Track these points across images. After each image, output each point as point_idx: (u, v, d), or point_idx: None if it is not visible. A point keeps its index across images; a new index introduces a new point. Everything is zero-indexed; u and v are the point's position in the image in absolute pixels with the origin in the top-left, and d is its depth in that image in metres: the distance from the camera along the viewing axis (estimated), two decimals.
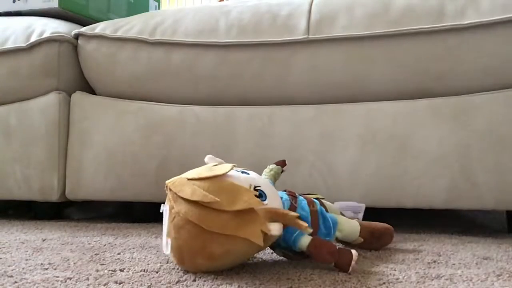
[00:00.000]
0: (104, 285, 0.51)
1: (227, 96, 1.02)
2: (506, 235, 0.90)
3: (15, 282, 0.52)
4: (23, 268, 0.59)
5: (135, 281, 0.53)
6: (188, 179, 0.57)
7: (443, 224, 1.05)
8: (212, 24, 1.03)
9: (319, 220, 0.65)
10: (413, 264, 0.63)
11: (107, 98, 1.08)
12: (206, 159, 0.64)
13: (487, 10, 0.88)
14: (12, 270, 0.58)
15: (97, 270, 0.58)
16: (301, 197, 0.66)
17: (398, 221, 1.04)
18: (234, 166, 0.59)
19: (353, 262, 0.57)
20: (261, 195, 0.57)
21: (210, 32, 1.02)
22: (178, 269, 0.59)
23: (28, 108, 1.09)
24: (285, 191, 0.67)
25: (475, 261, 0.65)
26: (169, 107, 1.04)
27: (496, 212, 1.24)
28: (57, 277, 0.54)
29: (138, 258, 0.65)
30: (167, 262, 0.63)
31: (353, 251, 0.58)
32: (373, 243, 0.72)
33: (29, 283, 0.52)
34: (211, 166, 0.59)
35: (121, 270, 0.58)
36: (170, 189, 0.58)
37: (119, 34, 1.06)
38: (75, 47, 1.10)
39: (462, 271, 0.58)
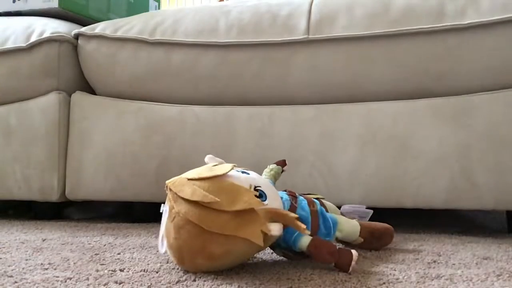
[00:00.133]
0: (104, 285, 0.51)
1: (227, 96, 1.02)
2: (506, 235, 0.90)
3: (15, 282, 0.52)
4: (23, 268, 0.59)
5: (135, 281, 0.53)
6: (188, 179, 0.57)
7: (443, 224, 1.05)
8: (212, 24, 1.03)
9: (319, 220, 0.65)
10: (413, 264, 0.63)
11: (107, 98, 1.08)
12: (206, 159, 0.64)
13: (487, 10, 0.88)
14: (12, 270, 0.58)
15: (97, 270, 0.58)
16: (301, 197, 0.66)
17: (398, 221, 1.04)
18: (234, 166, 0.59)
19: (353, 262, 0.57)
20: (261, 195, 0.57)
21: (210, 32, 1.02)
22: (178, 269, 0.59)
23: (28, 108, 1.09)
24: (285, 191, 0.67)
25: (475, 261, 0.65)
26: (169, 107, 1.04)
27: (496, 212, 1.24)
28: (57, 277, 0.54)
29: (138, 258, 0.65)
30: (167, 262, 0.63)
31: (353, 251, 0.58)
32: (373, 243, 0.72)
33: (29, 283, 0.52)
34: (211, 166, 0.59)
35: (121, 270, 0.58)
36: (170, 189, 0.58)
37: (119, 34, 1.06)
38: (75, 47, 1.10)
39: (462, 271, 0.58)
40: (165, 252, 0.58)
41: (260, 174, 0.66)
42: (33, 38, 1.07)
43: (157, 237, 0.84)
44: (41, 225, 1.00)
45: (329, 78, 0.96)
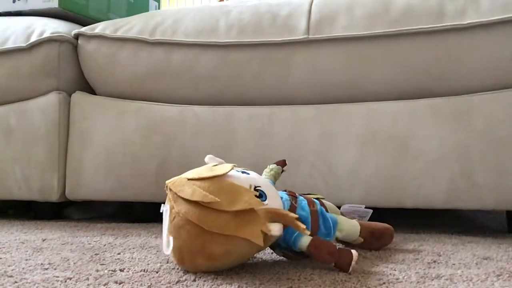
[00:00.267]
0: (104, 285, 0.51)
1: (227, 96, 1.02)
2: (506, 235, 0.90)
3: (15, 282, 0.52)
4: (23, 268, 0.59)
5: (135, 281, 0.53)
6: (188, 179, 0.57)
7: (443, 224, 1.05)
8: (212, 24, 1.03)
9: (319, 220, 0.65)
10: (413, 264, 0.63)
11: (107, 98, 1.08)
12: (206, 159, 0.64)
13: (487, 10, 0.88)
14: (12, 270, 0.58)
15: (97, 270, 0.58)
16: (301, 197, 0.66)
17: (398, 221, 1.04)
18: (234, 166, 0.59)
19: (353, 262, 0.57)
20: (261, 195, 0.57)
21: (210, 32, 1.02)
22: (178, 269, 0.59)
23: (28, 108, 1.09)
24: (285, 191, 0.67)
25: (475, 261, 0.65)
26: (169, 107, 1.04)
27: (496, 212, 1.24)
28: (57, 277, 0.54)
29: (138, 258, 0.65)
30: (167, 262, 0.63)
31: (353, 251, 0.58)
32: (373, 243, 0.72)
33: (29, 283, 0.52)
34: (211, 166, 0.59)
35: (121, 270, 0.58)
36: (170, 189, 0.58)
37: (119, 34, 1.06)
38: (75, 47, 1.10)
39: (462, 271, 0.58)
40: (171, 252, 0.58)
41: (260, 174, 0.66)
42: (33, 38, 1.07)
43: (157, 237, 0.84)
44: (41, 225, 1.00)
45: (329, 78, 0.96)
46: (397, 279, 0.55)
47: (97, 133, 1.05)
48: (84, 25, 1.17)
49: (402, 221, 1.09)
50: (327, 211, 0.68)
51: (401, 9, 0.93)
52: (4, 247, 0.73)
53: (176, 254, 0.57)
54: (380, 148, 0.92)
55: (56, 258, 0.65)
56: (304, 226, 0.54)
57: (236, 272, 0.57)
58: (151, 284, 0.52)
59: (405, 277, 0.56)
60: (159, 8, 1.60)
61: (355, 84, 0.96)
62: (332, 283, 0.53)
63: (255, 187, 0.57)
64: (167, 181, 0.59)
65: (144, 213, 1.08)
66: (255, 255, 0.68)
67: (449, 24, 0.89)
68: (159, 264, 0.62)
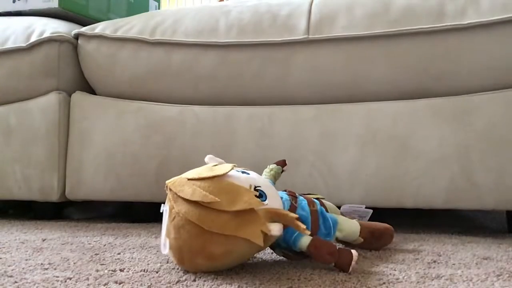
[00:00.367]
0: (104, 285, 0.51)
1: (227, 96, 1.02)
2: (506, 235, 0.90)
3: (15, 282, 0.52)
4: (23, 268, 0.59)
5: (135, 281, 0.53)
6: (188, 179, 0.57)
7: (443, 224, 1.05)
8: (212, 24, 1.03)
9: (319, 220, 0.65)
10: (413, 264, 0.63)
11: (107, 98, 1.08)
12: (206, 159, 0.64)
13: (487, 10, 0.88)
14: (12, 270, 0.58)
15: (97, 270, 0.58)
16: (301, 197, 0.66)
17: (398, 221, 1.04)
18: (234, 166, 0.59)
19: (353, 262, 0.57)
20: (261, 195, 0.57)
21: (210, 32, 1.02)
22: (178, 269, 0.59)
23: (28, 108, 1.09)
24: (285, 191, 0.67)
25: (475, 261, 0.65)
26: (169, 107, 1.04)
27: (496, 212, 1.24)
28: (57, 277, 0.54)
29: (138, 258, 0.65)
30: (167, 262, 0.63)
31: (353, 251, 0.58)
32: (373, 243, 0.72)
33: (29, 283, 0.52)
34: (212, 166, 0.59)
35: (121, 270, 0.58)
36: (170, 189, 0.58)
37: (119, 34, 1.06)
38: (75, 47, 1.10)
39: (462, 271, 0.58)
40: (168, 251, 0.58)
41: (260, 174, 0.66)
42: (33, 38, 1.07)
43: (157, 237, 0.84)
44: (41, 225, 1.00)
45: (329, 78, 0.96)
46: (397, 279, 0.55)
47: (97, 133, 1.05)
48: (84, 25, 1.17)
49: (402, 221, 1.09)
50: (327, 211, 0.68)
51: (401, 9, 0.93)
52: (4, 247, 0.73)
53: (176, 254, 0.57)
54: (380, 148, 0.92)
55: (56, 258, 0.65)
56: (304, 226, 0.54)
57: (236, 272, 0.57)
58: (151, 284, 0.52)
59: (405, 277, 0.56)
60: (159, 8, 1.60)
61: (355, 84, 0.96)
62: (332, 283, 0.53)
63: (255, 187, 0.57)
64: (167, 181, 0.59)
65: (144, 213, 1.08)
66: (255, 255, 0.68)
67: (449, 24, 0.89)
68: (159, 264, 0.62)
